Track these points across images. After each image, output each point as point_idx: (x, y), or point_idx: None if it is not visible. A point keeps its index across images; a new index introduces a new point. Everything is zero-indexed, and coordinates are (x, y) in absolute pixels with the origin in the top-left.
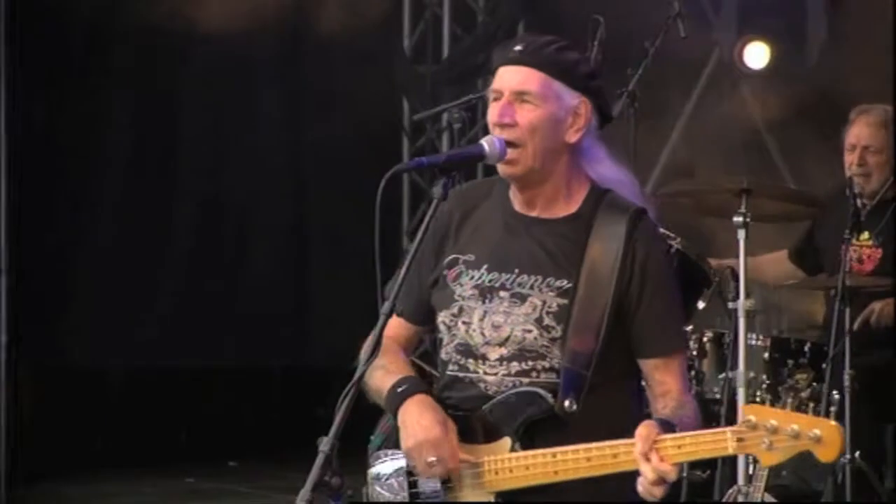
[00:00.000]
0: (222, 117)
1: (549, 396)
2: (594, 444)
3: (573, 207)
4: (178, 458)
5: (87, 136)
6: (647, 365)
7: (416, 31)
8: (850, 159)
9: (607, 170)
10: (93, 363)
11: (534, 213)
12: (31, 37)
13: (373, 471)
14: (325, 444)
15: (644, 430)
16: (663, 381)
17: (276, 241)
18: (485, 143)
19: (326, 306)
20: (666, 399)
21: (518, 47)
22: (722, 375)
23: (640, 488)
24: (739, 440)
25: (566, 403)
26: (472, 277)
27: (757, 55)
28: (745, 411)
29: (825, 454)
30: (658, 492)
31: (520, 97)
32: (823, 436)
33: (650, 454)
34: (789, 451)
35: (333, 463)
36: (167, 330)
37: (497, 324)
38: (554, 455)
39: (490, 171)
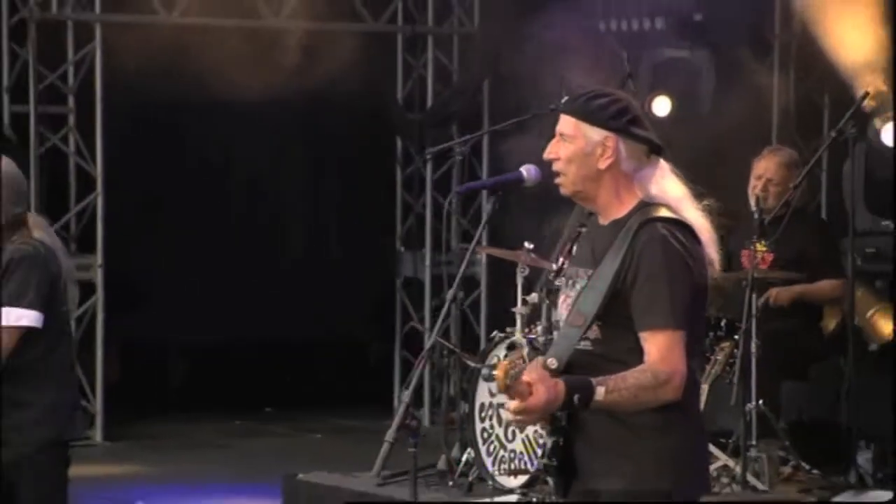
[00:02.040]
0: (263, 152)
1: (554, 362)
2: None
3: (619, 214)
4: (228, 405)
5: (166, 160)
6: (640, 338)
7: (407, 87)
8: (755, 184)
9: (654, 187)
10: (166, 336)
11: (599, 221)
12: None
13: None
14: (406, 395)
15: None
16: (649, 352)
17: (304, 242)
18: (523, 170)
19: (342, 292)
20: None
21: (563, 100)
22: None
23: (511, 416)
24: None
25: (548, 361)
26: (566, 272)
27: (662, 106)
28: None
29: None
30: (514, 417)
31: (562, 137)
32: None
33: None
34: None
35: (411, 410)
36: (220, 310)
37: (567, 305)
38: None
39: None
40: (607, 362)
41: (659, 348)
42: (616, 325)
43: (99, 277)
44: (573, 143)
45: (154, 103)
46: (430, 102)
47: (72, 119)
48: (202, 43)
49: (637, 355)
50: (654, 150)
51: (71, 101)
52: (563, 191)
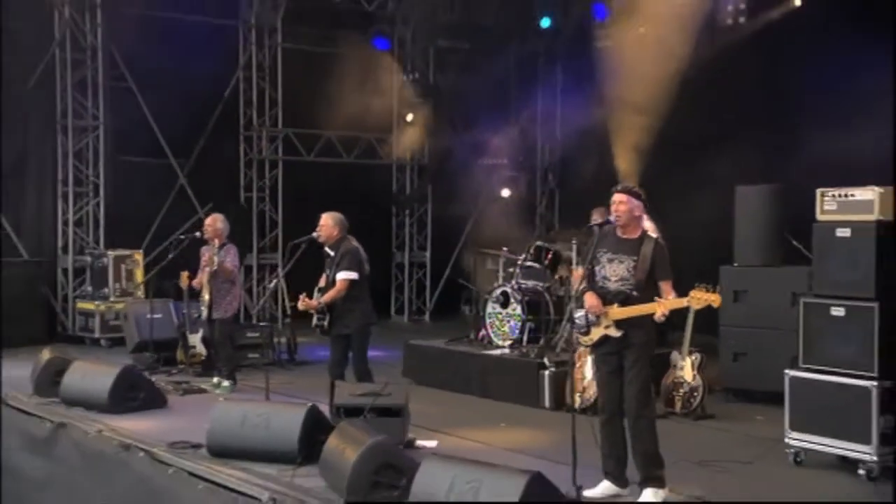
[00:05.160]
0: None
1: (629, 291)
2: (637, 306)
3: (637, 235)
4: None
5: (302, 212)
6: (660, 284)
7: (398, 185)
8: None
9: (646, 224)
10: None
11: (624, 236)
12: None
13: (575, 314)
14: (569, 311)
15: (659, 299)
16: (665, 290)
17: None
18: (612, 217)
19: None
20: (664, 296)
21: (618, 188)
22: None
23: (658, 316)
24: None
25: (634, 294)
26: (606, 255)
27: (506, 193)
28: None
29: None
30: (661, 312)
31: (620, 202)
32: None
33: (660, 306)
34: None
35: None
36: None
37: (613, 269)
38: (623, 307)
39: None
40: (642, 292)
41: (670, 288)
42: (648, 279)
43: (280, 261)
44: (626, 205)
45: (300, 191)
46: (409, 190)
47: (267, 199)
48: (322, 167)
49: (653, 290)
50: (646, 210)
51: (267, 191)
52: (618, 223)
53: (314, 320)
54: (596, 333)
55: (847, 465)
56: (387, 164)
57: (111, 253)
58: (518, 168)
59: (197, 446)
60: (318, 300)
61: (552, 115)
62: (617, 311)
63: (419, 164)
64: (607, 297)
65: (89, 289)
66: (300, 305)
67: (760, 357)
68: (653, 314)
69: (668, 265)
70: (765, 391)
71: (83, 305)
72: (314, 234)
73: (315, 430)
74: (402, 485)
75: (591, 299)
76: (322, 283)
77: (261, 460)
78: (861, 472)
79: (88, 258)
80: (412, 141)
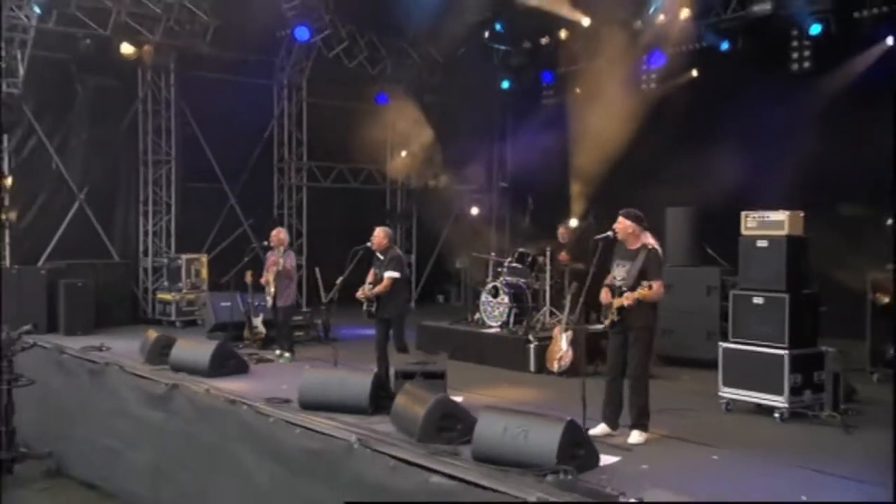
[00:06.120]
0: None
1: (625, 288)
2: (620, 297)
3: (636, 246)
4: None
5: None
6: (651, 282)
7: (391, 203)
8: (563, 234)
9: (646, 238)
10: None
11: (628, 247)
12: None
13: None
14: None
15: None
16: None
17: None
18: (610, 233)
19: None
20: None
21: (622, 212)
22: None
23: (626, 305)
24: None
25: (626, 290)
26: (616, 260)
27: (475, 211)
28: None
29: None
30: (627, 302)
31: (620, 222)
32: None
33: (626, 298)
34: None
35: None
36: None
37: (618, 271)
38: (622, 296)
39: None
40: (636, 290)
41: (659, 286)
42: (641, 279)
43: (304, 261)
44: (621, 224)
45: (319, 209)
46: (398, 210)
47: (294, 215)
48: (336, 191)
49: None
50: (644, 228)
51: (295, 209)
52: (619, 237)
53: (364, 306)
54: (611, 317)
55: (764, 410)
56: (382, 188)
57: (184, 256)
58: (484, 191)
59: (287, 401)
60: (370, 291)
61: (512, 151)
62: (615, 302)
63: (407, 188)
64: (614, 292)
65: (166, 283)
66: (358, 295)
67: (683, 333)
68: (647, 305)
69: (656, 269)
70: (686, 358)
71: (162, 296)
72: (368, 243)
73: (379, 389)
74: (458, 429)
75: (604, 293)
76: (370, 278)
77: (339, 412)
78: (776, 415)
79: (165, 260)
80: (402, 171)
